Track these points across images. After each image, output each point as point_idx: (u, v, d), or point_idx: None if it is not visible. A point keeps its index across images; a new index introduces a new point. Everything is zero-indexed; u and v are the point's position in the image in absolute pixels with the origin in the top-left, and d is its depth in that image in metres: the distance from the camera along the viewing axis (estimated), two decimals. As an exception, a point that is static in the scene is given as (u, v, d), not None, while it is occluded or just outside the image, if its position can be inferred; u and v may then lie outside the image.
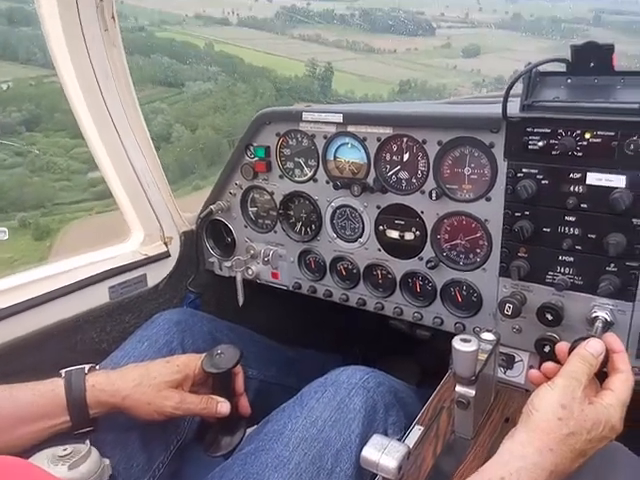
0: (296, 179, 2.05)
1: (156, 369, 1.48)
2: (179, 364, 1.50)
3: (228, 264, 2.28)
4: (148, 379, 1.44)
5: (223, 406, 1.48)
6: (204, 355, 1.52)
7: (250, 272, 2.24)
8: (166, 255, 2.18)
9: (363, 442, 1.36)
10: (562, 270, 1.58)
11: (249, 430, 1.57)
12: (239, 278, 2.23)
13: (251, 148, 2.08)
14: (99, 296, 2.01)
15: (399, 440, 1.41)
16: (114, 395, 1.41)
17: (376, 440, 1.34)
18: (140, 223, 2.10)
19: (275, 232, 2.17)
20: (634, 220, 1.43)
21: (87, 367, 1.46)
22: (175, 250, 2.22)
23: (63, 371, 1.44)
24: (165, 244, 2.19)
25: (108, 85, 1.79)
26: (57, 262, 1.94)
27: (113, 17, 1.69)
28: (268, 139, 2.04)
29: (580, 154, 1.46)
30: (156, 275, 2.18)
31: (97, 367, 1.51)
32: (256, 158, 2.08)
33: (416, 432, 1.51)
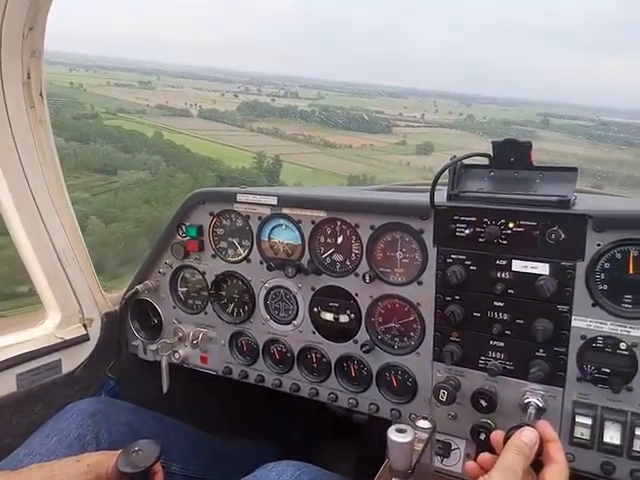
0: (229, 259, 2.00)
1: (63, 470, 1.31)
2: (90, 463, 1.34)
3: (153, 347, 2.14)
4: None
5: None
6: (119, 452, 1.37)
7: (177, 356, 2.11)
8: (84, 338, 2.02)
9: None
10: (494, 355, 1.60)
11: None
12: (164, 363, 2.09)
13: (183, 227, 2.03)
14: (5, 384, 1.81)
15: None
16: None
17: None
18: (57, 304, 1.95)
19: (206, 313, 2.08)
20: (559, 306, 1.49)
21: None
22: (95, 333, 2.07)
23: None
24: (84, 326, 2.03)
25: (32, 162, 1.71)
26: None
27: (41, 94, 1.64)
28: (201, 218, 2.00)
29: (505, 242, 1.52)
30: (72, 360, 2.01)
31: None
32: (188, 237, 2.03)
33: None
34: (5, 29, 1.52)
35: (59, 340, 1.93)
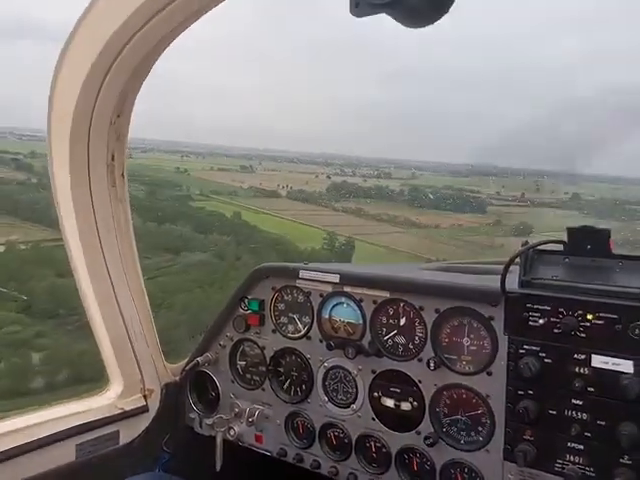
0: (289, 335, 1.98)
1: None
2: None
3: (209, 421, 2.11)
4: None
5: None
6: None
7: (232, 433, 2.07)
8: (144, 409, 2.03)
9: None
10: (572, 459, 1.45)
11: None
12: (219, 440, 2.05)
13: (245, 300, 2.05)
14: (65, 454, 1.82)
15: None
16: None
17: None
18: (121, 374, 1.98)
19: (263, 390, 2.05)
20: None
21: None
22: (154, 404, 2.07)
23: None
24: (144, 397, 2.04)
25: (109, 237, 1.80)
26: (24, 415, 1.79)
27: (122, 175, 1.76)
28: (263, 293, 2.01)
29: (583, 335, 1.42)
30: (130, 432, 2.01)
31: None
32: (250, 311, 2.03)
33: None
34: (96, 115, 1.65)
35: (119, 411, 1.95)
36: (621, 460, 1.39)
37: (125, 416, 1.95)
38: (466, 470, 1.64)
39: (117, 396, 1.97)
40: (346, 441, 1.87)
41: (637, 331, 1.35)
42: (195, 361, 2.11)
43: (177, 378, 2.17)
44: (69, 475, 1.83)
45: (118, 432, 1.95)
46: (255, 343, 2.06)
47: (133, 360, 1.98)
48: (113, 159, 1.71)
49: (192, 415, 2.21)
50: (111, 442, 1.93)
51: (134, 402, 2.00)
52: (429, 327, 1.68)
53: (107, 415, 1.91)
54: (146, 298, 2.00)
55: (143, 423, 2.04)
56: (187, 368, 2.12)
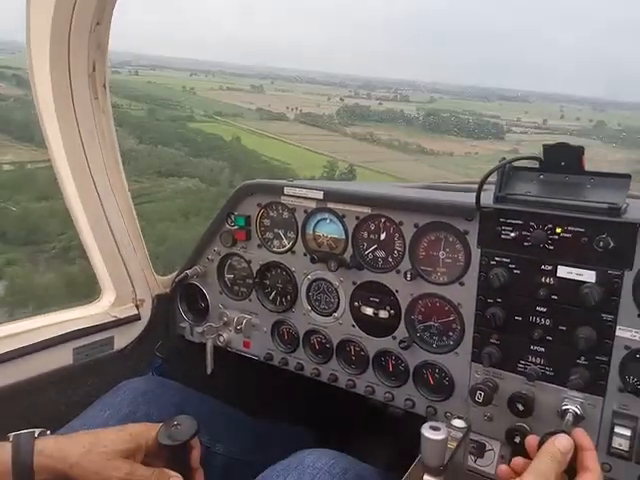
0: (274, 249, 2.06)
1: (107, 437, 1.39)
2: (132, 433, 1.42)
3: (200, 330, 2.24)
4: (98, 447, 1.35)
5: None
6: (160, 425, 1.46)
7: (222, 339, 2.20)
8: (136, 318, 2.14)
9: None
10: (533, 360, 1.59)
11: None
12: (210, 345, 2.18)
13: (232, 216, 2.10)
14: (62, 357, 1.94)
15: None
16: (62, 462, 1.31)
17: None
18: (112, 284, 2.07)
19: (250, 300, 2.16)
20: (604, 315, 1.46)
21: (37, 431, 1.37)
22: (146, 313, 2.18)
23: (12, 435, 1.36)
24: (136, 307, 2.14)
25: (93, 148, 1.81)
26: (21, 320, 1.88)
27: (104, 86, 1.74)
28: (249, 209, 2.07)
29: (551, 247, 1.50)
30: (124, 338, 2.13)
31: (48, 432, 1.43)
32: (236, 226, 2.09)
33: None
34: (74, 23, 1.61)
35: (113, 318, 2.05)
36: (578, 361, 1.52)
37: (119, 323, 2.06)
38: (437, 370, 1.78)
39: (110, 305, 2.06)
40: (328, 346, 2.00)
41: (601, 243, 1.43)
42: (184, 274, 2.19)
43: (167, 290, 2.27)
44: (68, 377, 1.96)
45: (113, 338, 2.06)
46: (242, 257, 2.14)
47: (124, 271, 2.06)
48: (94, 69, 1.68)
49: (183, 324, 2.33)
50: (106, 347, 2.05)
51: (127, 310, 2.10)
52: (407, 241, 1.76)
53: (101, 322, 2.01)
54: (134, 212, 2.04)
55: (136, 330, 2.16)
56: (177, 280, 2.21)
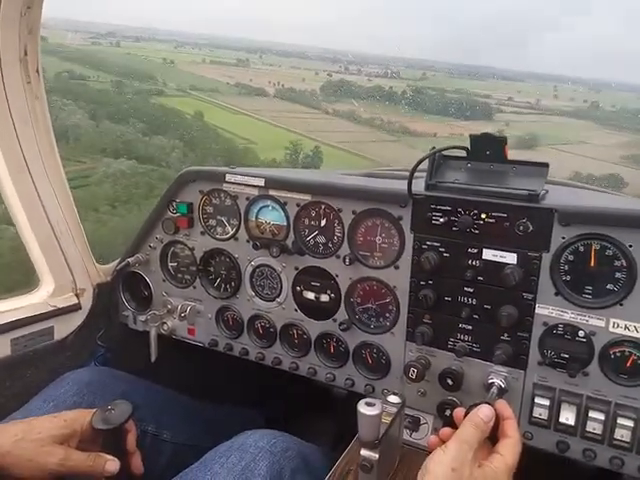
0: (217, 236, 2.08)
1: (41, 424, 1.40)
2: (67, 419, 1.43)
3: (143, 318, 2.24)
4: (31, 434, 1.35)
5: (111, 464, 1.41)
6: (95, 410, 1.47)
7: (165, 327, 2.21)
8: (76, 307, 2.11)
9: None
10: (462, 337, 1.70)
11: None
12: (153, 333, 2.19)
13: (174, 204, 2.10)
14: (0, 348, 1.89)
15: (302, 506, 1.41)
16: None
17: (278, 507, 1.34)
18: (51, 274, 2.03)
19: (194, 287, 2.17)
20: (524, 294, 1.58)
21: None
22: (87, 302, 2.15)
23: None
24: (76, 296, 2.12)
25: (26, 134, 1.77)
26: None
27: (37, 71, 1.70)
28: (191, 196, 2.07)
29: (477, 232, 1.60)
30: (64, 328, 2.10)
31: None
32: (178, 214, 2.10)
33: None
34: (3, 7, 1.56)
35: (52, 308, 2.02)
36: (501, 337, 1.64)
37: (58, 313, 2.03)
38: (375, 350, 1.87)
39: (49, 295, 2.02)
40: (272, 330, 2.05)
41: (522, 228, 1.54)
42: (126, 262, 2.18)
43: (109, 278, 2.25)
44: (6, 368, 1.91)
45: (52, 328, 2.03)
46: (185, 245, 2.15)
47: (62, 260, 2.03)
48: (26, 54, 1.64)
49: (125, 313, 2.31)
50: (46, 337, 2.02)
51: (66, 300, 2.07)
52: (346, 227, 1.82)
53: (40, 312, 1.98)
54: (71, 198, 2.01)
55: (77, 320, 2.13)
56: (118, 268, 2.20)
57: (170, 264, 2.21)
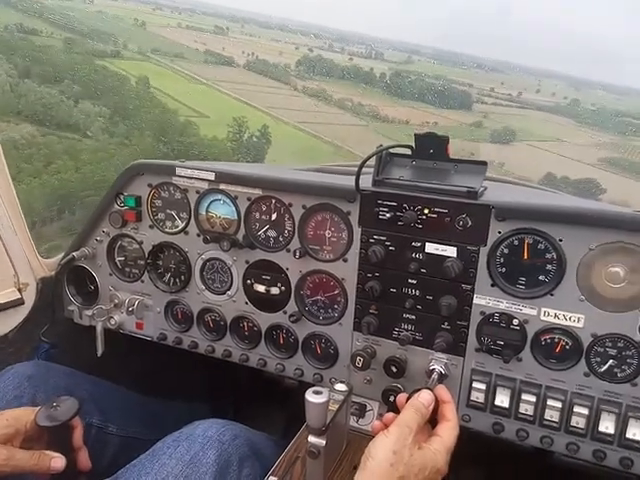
0: (167, 230, 2.07)
1: None
2: (9, 418, 1.40)
3: (89, 313, 2.20)
4: None
5: (57, 461, 1.40)
6: (39, 408, 1.45)
7: (112, 322, 2.18)
8: (19, 302, 2.05)
9: None
10: (405, 327, 1.78)
11: None
12: (99, 328, 2.15)
13: (121, 197, 2.07)
14: None
15: (251, 493, 1.45)
16: None
17: (227, 494, 1.37)
18: (-9, 268, 1.97)
19: (142, 282, 2.15)
20: (463, 285, 1.68)
21: None
22: (30, 297, 2.10)
23: None
24: (19, 290, 2.06)
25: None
26: None
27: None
28: (140, 189, 2.05)
29: (420, 226, 1.68)
30: (6, 323, 2.04)
31: None
32: (126, 207, 2.07)
33: None
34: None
35: (-8, 303, 1.95)
36: (442, 326, 1.73)
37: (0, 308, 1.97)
38: (323, 340, 1.93)
39: (-11, 289, 1.96)
40: (222, 323, 2.07)
41: (461, 223, 1.63)
42: (71, 256, 2.13)
43: (53, 273, 2.19)
44: None
45: (-7, 324, 1.97)
46: (133, 238, 2.13)
47: (3, 253, 1.96)
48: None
49: (71, 307, 2.27)
50: (-14, 334, 1.95)
51: (8, 295, 2.01)
52: (297, 221, 1.86)
53: (-21, 308, 1.92)
54: (13, 190, 1.94)
55: (20, 315, 2.07)
56: (63, 262, 2.15)
57: (117, 258, 2.19)
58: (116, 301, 2.17)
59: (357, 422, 1.92)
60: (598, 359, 1.58)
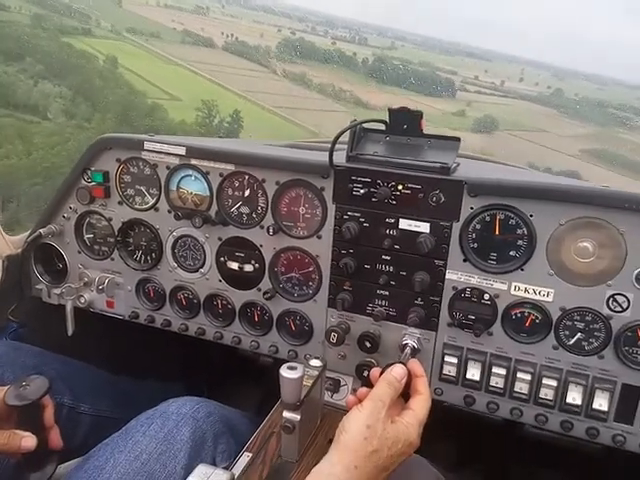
0: (136, 207, 2.02)
1: None
2: None
3: (58, 291, 2.15)
4: None
5: (28, 440, 1.37)
6: (8, 387, 1.42)
7: (82, 300, 2.13)
8: (-16, 281, 1.99)
9: (189, 473, 1.38)
10: (379, 302, 1.79)
11: (69, 463, 1.49)
12: (69, 307, 2.11)
13: (88, 172, 2.01)
14: None
15: (226, 468, 1.45)
16: None
17: (200, 470, 1.37)
18: (-48, 246, 1.89)
19: (112, 259, 2.11)
20: (436, 261, 1.69)
21: None
22: (-5, 276, 2.03)
23: None
24: (-17, 269, 1.99)
25: None
26: None
27: None
28: (108, 164, 1.99)
29: (394, 202, 1.68)
30: (-30, 303, 1.97)
31: None
32: (93, 183, 2.01)
33: (244, 459, 1.57)
34: None
35: (-45, 282, 1.89)
36: (415, 302, 1.75)
37: (-38, 288, 1.91)
38: (298, 317, 1.93)
39: (-50, 268, 1.90)
40: (195, 301, 2.05)
41: (434, 199, 1.63)
42: (37, 233, 2.07)
43: (19, 250, 2.13)
44: None
45: (-44, 304, 1.91)
46: (101, 215, 2.07)
47: (-35, 231, 1.90)
48: None
49: (39, 286, 2.21)
50: (-51, 314, 1.89)
51: (-29, 274, 1.95)
52: (270, 198, 1.84)
53: (-59, 287, 1.85)
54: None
55: (-16, 294, 2.01)
56: (29, 240, 2.08)
57: (86, 235, 2.13)
58: (85, 279, 2.13)
59: (332, 397, 1.94)
60: (567, 332, 1.62)
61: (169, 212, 1.98)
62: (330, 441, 1.70)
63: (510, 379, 1.69)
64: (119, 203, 2.03)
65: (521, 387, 1.68)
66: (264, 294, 1.92)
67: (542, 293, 1.62)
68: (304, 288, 1.91)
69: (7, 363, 1.70)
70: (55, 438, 1.49)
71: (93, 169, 2.00)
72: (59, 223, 2.11)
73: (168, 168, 1.93)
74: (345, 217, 1.74)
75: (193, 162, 1.89)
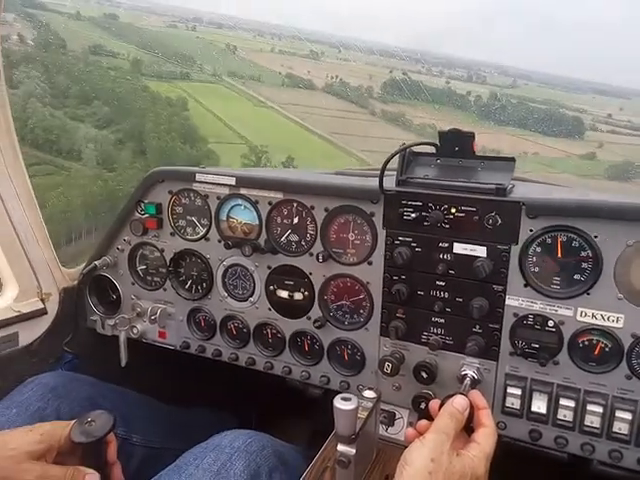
0: (188, 237, 2.05)
1: (15, 439, 1.34)
2: (43, 433, 1.37)
3: (111, 322, 2.19)
4: (5, 450, 1.29)
5: (91, 477, 1.36)
6: (73, 422, 1.42)
7: (135, 331, 2.16)
8: (42, 312, 2.04)
9: None
10: (435, 330, 1.72)
11: None
12: (122, 337, 2.14)
13: (142, 204, 2.06)
14: (-39, 356, 1.83)
15: (280, 504, 1.40)
16: None
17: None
18: (15, 278, 1.97)
19: (164, 290, 2.13)
20: (494, 286, 1.61)
21: None
22: (53, 307, 2.09)
23: None
24: (42, 300, 2.05)
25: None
26: None
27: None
28: (160, 196, 2.04)
29: (448, 226, 1.63)
30: (30, 334, 2.03)
31: None
32: (147, 215, 2.06)
33: None
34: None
35: (16, 313, 1.95)
36: (473, 329, 1.67)
37: (23, 318, 1.96)
38: (349, 346, 1.88)
39: (13, 299, 1.95)
40: (245, 330, 2.03)
41: (490, 221, 1.57)
42: (93, 265, 2.12)
43: (75, 282, 2.19)
44: None
45: (17, 334, 1.96)
46: (154, 246, 2.11)
47: (26, 264, 1.96)
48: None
49: (93, 317, 2.26)
50: (11, 344, 1.95)
51: (31, 305, 2.01)
52: (319, 225, 1.83)
53: (4, 317, 1.91)
54: (34, 200, 1.95)
55: (43, 325, 2.06)
56: (85, 272, 2.14)
57: (139, 266, 2.17)
58: (138, 310, 2.16)
59: (386, 431, 1.86)
60: None
61: (219, 242, 1.99)
62: (387, 477, 1.63)
63: (580, 412, 1.57)
64: (171, 234, 2.06)
65: (592, 420, 1.56)
66: (314, 323, 1.88)
67: (611, 319, 1.51)
68: (355, 316, 1.86)
69: (63, 395, 1.72)
70: (117, 474, 1.48)
71: (146, 201, 2.05)
72: (113, 255, 2.16)
73: (219, 198, 1.95)
74: (396, 242, 1.70)
75: (242, 191, 1.91)
